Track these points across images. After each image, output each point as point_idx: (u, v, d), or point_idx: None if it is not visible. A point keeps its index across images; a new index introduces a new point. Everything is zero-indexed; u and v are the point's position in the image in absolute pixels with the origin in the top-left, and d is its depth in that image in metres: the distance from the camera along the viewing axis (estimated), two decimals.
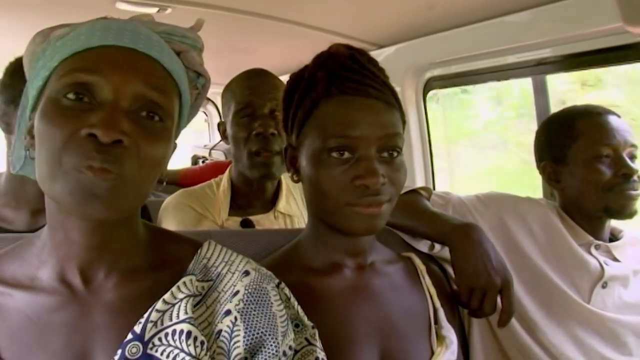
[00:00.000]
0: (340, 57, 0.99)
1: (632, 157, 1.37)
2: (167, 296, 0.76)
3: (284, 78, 1.76)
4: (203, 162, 3.45)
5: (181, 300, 0.76)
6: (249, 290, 0.79)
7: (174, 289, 0.77)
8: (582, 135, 1.38)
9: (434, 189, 2.48)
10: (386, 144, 0.94)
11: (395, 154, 0.96)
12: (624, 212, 1.35)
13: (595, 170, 1.35)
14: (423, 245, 1.27)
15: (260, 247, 1.12)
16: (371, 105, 0.95)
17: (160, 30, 0.79)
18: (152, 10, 1.88)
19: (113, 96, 0.69)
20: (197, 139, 4.17)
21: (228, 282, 0.80)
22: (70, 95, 0.69)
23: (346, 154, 0.93)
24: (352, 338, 0.96)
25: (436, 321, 1.06)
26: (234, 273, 0.81)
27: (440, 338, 1.04)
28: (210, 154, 3.45)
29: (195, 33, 0.84)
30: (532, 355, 1.28)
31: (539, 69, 1.98)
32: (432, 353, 1.02)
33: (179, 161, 3.96)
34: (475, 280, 1.09)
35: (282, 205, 1.64)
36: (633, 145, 1.37)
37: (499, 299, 1.11)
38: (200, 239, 0.87)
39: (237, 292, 0.79)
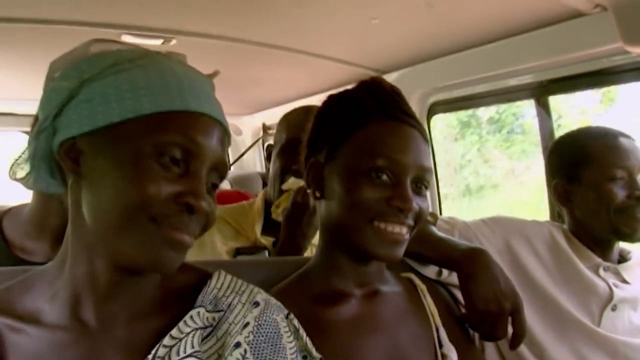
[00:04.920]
0: (384, 85, 1.03)
1: None
2: (174, 331, 0.74)
3: (290, 106, 1.78)
4: None
5: (188, 334, 0.75)
6: (259, 322, 0.78)
7: (181, 323, 0.75)
8: (597, 157, 1.37)
9: (440, 214, 2.49)
10: (421, 176, 0.97)
11: (424, 187, 0.99)
12: (634, 235, 1.34)
13: (608, 191, 1.34)
14: (430, 271, 1.26)
15: (267, 276, 1.10)
16: (415, 135, 0.98)
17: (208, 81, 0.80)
18: (157, 42, 1.91)
19: (202, 166, 0.71)
20: None
21: (239, 313, 0.79)
22: (165, 157, 0.69)
23: (384, 177, 0.95)
24: None
25: (440, 342, 1.05)
26: (244, 304, 0.80)
27: (444, 358, 1.03)
28: None
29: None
30: None
31: (541, 90, 1.99)
32: None
33: None
34: (485, 305, 1.07)
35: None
36: None
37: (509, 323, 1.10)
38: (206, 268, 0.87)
39: (247, 323, 0.78)
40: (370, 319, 1.00)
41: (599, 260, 1.36)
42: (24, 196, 1.39)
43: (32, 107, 0.78)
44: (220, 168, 0.75)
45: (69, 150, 0.72)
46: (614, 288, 1.30)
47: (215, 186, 0.76)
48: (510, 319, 1.09)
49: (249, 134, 3.75)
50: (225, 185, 3.33)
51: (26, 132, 1.40)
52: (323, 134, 1.04)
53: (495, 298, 1.07)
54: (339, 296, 1.01)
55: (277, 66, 2.34)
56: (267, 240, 1.60)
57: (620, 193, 1.33)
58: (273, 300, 0.83)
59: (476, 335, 1.20)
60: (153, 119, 0.69)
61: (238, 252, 1.60)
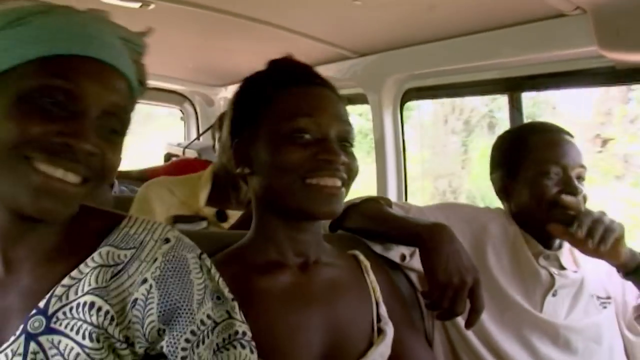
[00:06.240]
0: (291, 60, 1.08)
1: (580, 178, 1.38)
2: (74, 272, 0.76)
3: None
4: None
5: (87, 274, 0.76)
6: (167, 258, 0.79)
7: (81, 265, 0.77)
8: (533, 152, 1.39)
9: (406, 197, 2.51)
10: (343, 132, 1.00)
11: (348, 145, 1.02)
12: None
13: (541, 185, 1.36)
14: (394, 255, 1.27)
15: (213, 247, 1.08)
16: (332, 97, 1.03)
17: (121, 35, 0.80)
18: (135, 5, 1.86)
19: (87, 109, 0.72)
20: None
21: (150, 251, 0.80)
22: (46, 98, 0.70)
23: (307, 136, 0.97)
24: (293, 336, 0.96)
25: (378, 317, 1.07)
26: (156, 241, 0.81)
27: (380, 332, 1.05)
28: (184, 152, 3.42)
29: (144, 39, 0.85)
30: None
31: (515, 86, 2.02)
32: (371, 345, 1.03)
33: (153, 159, 3.92)
34: (448, 277, 1.08)
35: None
36: (582, 167, 1.38)
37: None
38: None
39: (156, 259, 0.79)
40: (306, 288, 1.02)
41: (541, 248, 1.38)
42: None
43: None
44: (117, 113, 0.75)
45: None
46: (555, 275, 1.34)
47: (114, 131, 0.76)
48: (469, 294, 1.10)
49: (221, 105, 3.71)
50: (193, 155, 3.30)
51: None
52: (242, 114, 1.06)
53: (457, 271, 1.09)
54: (274, 266, 1.02)
55: (254, 40, 2.31)
56: (210, 211, 1.63)
57: (553, 189, 1.35)
58: (186, 239, 0.84)
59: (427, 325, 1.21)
60: (38, 64, 0.70)
61: (175, 219, 1.61)
